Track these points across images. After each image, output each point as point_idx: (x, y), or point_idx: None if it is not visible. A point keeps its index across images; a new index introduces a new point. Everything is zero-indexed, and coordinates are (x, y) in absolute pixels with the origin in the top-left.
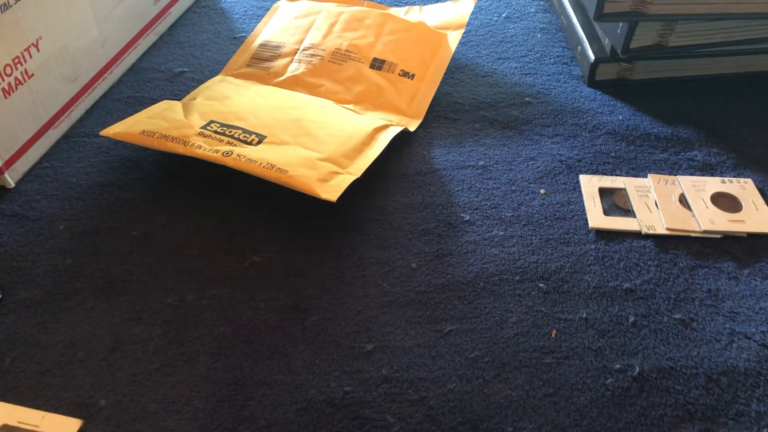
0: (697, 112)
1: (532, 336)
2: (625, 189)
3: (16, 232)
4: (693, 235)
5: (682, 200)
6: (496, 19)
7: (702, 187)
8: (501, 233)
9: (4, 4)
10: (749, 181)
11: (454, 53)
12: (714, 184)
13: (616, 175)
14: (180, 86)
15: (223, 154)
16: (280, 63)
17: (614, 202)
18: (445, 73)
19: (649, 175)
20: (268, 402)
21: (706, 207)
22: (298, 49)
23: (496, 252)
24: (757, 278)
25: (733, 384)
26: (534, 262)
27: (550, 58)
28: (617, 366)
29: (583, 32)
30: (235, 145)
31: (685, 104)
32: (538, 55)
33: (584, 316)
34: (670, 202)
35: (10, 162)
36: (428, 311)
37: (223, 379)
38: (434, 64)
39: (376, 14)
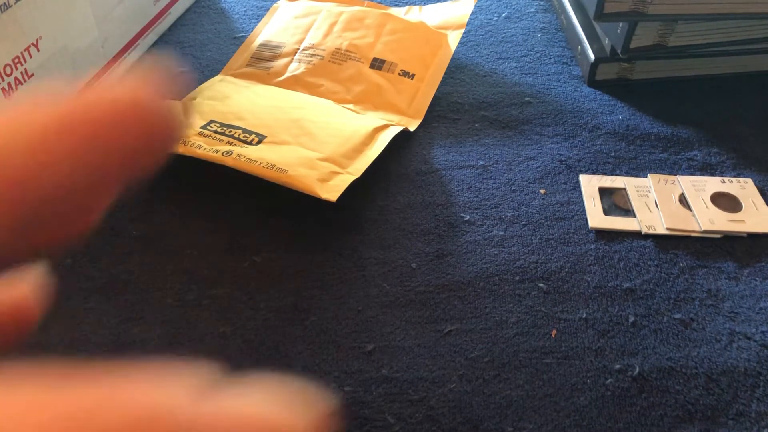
0: (697, 112)
1: (532, 336)
2: (625, 189)
3: None
4: (693, 235)
5: (682, 200)
6: (496, 19)
7: (702, 187)
8: (501, 233)
9: (4, 4)
10: (749, 181)
11: (454, 53)
12: (714, 184)
13: (616, 174)
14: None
15: (222, 154)
16: (280, 63)
17: (614, 202)
18: (445, 73)
19: (649, 175)
20: None
21: (706, 207)
22: (298, 49)
23: (496, 252)
24: (757, 278)
25: (733, 384)
26: (534, 262)
27: (550, 58)
28: (617, 366)
29: (583, 32)
30: (235, 145)
31: (685, 104)
32: (538, 55)
33: (584, 316)
34: (670, 202)
35: None
36: (428, 311)
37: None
38: (434, 64)
39: (376, 14)
